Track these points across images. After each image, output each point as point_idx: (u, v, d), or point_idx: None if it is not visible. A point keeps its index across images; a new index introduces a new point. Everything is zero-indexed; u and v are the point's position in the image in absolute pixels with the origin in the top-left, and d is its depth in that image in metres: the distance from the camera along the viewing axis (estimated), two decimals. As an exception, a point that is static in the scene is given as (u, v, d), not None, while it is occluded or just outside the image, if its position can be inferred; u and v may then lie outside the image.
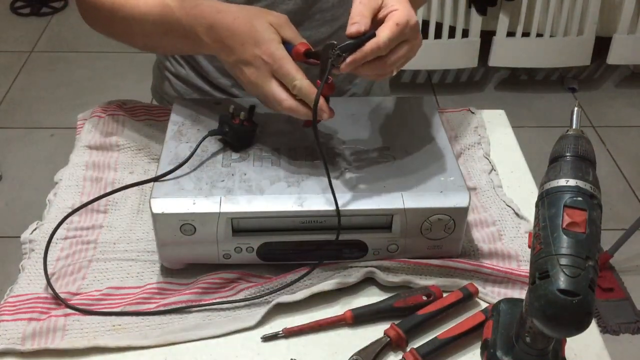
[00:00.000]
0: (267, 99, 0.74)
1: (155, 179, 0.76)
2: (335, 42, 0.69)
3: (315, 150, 0.81)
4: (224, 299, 0.75)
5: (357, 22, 0.69)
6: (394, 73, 0.74)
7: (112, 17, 0.85)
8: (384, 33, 0.69)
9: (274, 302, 0.74)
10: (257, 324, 0.73)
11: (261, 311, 0.73)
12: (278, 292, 0.75)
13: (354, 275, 0.76)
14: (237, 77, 0.76)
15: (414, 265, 0.78)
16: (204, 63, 1.02)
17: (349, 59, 0.69)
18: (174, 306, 0.74)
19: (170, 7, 0.78)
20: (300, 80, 0.71)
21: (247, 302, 0.75)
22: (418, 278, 0.78)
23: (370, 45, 0.68)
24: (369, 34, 0.69)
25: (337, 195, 0.74)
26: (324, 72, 0.71)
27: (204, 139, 0.81)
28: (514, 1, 2.47)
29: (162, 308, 0.74)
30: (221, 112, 0.82)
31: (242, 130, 0.81)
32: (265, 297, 0.75)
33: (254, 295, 0.75)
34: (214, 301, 0.75)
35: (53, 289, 0.74)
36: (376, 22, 0.71)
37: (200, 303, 0.74)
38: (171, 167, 0.78)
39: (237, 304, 0.75)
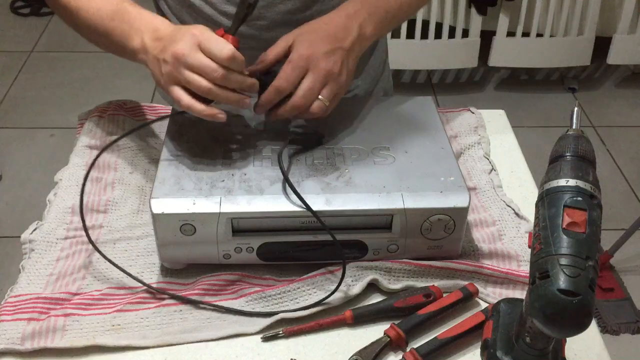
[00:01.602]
0: (187, 76, 0.72)
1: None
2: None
3: (315, 151, 0.81)
4: (226, 302, 0.75)
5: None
6: (327, 105, 0.78)
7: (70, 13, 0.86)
8: (280, 73, 0.76)
9: (278, 317, 0.73)
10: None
11: (264, 322, 0.73)
12: (283, 304, 0.75)
13: (358, 285, 0.76)
14: (159, 61, 0.74)
15: (414, 267, 0.77)
16: None
17: (259, 102, 0.78)
18: (174, 307, 0.74)
19: (126, 4, 0.81)
20: (230, 47, 0.72)
21: (249, 306, 0.75)
22: (419, 281, 0.78)
23: (272, 86, 0.76)
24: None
25: (337, 195, 0.74)
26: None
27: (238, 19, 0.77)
28: (514, 1, 2.47)
29: (162, 308, 0.74)
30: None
31: None
32: (270, 310, 0.74)
33: (258, 309, 0.74)
34: (216, 304, 0.75)
35: None
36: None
37: (201, 305, 0.75)
38: (171, 167, 0.78)
39: (239, 309, 0.75)
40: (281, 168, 0.75)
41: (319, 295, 0.75)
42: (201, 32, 0.72)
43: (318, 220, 0.72)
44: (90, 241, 0.76)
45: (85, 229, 0.76)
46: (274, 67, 0.79)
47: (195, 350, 0.71)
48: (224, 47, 0.71)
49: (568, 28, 2.55)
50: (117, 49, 0.82)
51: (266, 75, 0.78)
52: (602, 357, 0.72)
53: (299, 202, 0.72)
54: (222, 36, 0.74)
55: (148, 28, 0.77)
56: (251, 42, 0.91)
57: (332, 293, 0.74)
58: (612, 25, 2.57)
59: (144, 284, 0.76)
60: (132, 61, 0.81)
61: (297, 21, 0.85)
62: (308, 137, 0.83)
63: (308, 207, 0.72)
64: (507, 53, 2.59)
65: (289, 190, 0.74)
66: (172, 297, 0.75)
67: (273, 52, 0.79)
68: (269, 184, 0.76)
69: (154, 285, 0.77)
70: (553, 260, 0.55)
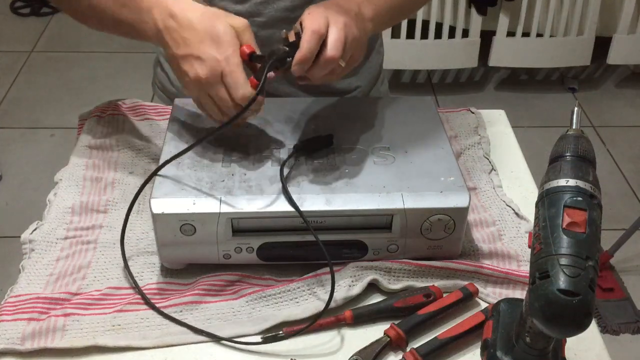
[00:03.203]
0: (207, 100, 0.75)
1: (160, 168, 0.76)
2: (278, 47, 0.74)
3: (315, 150, 0.81)
4: (227, 302, 0.75)
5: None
6: (343, 67, 0.76)
7: None
8: (306, 22, 0.74)
9: (279, 320, 0.73)
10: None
11: (264, 322, 0.73)
12: (283, 304, 0.75)
13: (358, 285, 0.76)
14: (182, 71, 0.75)
15: (415, 268, 0.77)
16: None
17: (299, 58, 0.72)
18: (174, 307, 0.74)
19: None
20: (248, 91, 0.72)
21: (249, 306, 0.75)
22: (419, 281, 0.78)
23: (307, 30, 0.72)
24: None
25: (337, 195, 0.74)
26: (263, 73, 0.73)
27: (267, 67, 0.74)
28: (514, 1, 2.47)
29: (162, 308, 0.74)
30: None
31: None
32: (272, 311, 0.74)
33: (258, 309, 0.74)
34: (216, 304, 0.75)
35: None
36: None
37: (202, 306, 0.75)
38: (171, 167, 0.78)
39: (239, 309, 0.75)
40: (281, 177, 0.75)
41: (319, 295, 0.75)
42: (226, 61, 0.72)
43: (305, 223, 0.72)
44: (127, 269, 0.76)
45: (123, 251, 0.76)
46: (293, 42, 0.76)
47: (195, 351, 0.71)
48: (243, 90, 0.72)
49: (568, 28, 2.56)
50: (128, 32, 0.81)
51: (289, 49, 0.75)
52: (602, 357, 0.72)
53: (299, 202, 0.73)
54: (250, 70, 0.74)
55: (162, 11, 0.75)
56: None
57: (330, 300, 0.74)
58: (612, 25, 2.57)
59: (148, 301, 0.76)
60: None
61: (295, 19, 0.84)
62: (316, 140, 0.82)
63: (297, 209, 0.72)
64: (507, 53, 2.59)
65: (289, 189, 0.74)
66: (173, 297, 0.75)
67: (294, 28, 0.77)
68: (269, 184, 0.76)
69: (154, 285, 0.77)
70: (553, 260, 0.55)
